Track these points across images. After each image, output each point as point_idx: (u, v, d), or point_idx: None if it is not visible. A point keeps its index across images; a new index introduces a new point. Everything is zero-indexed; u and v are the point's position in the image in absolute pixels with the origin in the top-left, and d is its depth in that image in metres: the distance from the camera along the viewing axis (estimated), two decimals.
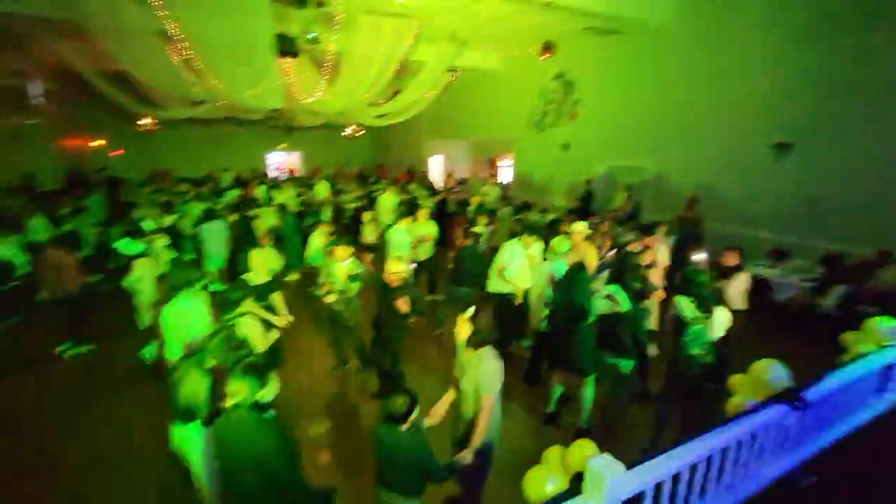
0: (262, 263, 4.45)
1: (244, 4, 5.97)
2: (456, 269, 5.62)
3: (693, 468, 2.32)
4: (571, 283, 3.77)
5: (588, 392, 3.84)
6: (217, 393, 2.52)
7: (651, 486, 2.10)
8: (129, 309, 5.61)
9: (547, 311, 4.29)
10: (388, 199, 9.18)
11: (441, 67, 9.08)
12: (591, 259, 4.19)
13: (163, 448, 2.90)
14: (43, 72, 9.60)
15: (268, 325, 3.79)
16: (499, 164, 15.40)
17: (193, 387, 2.59)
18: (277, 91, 7.41)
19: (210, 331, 3.41)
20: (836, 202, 6.62)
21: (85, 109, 12.36)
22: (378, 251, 7.12)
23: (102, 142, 15.01)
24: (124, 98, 8.23)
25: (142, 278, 5.39)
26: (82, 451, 3.84)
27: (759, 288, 5.88)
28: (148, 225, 7.06)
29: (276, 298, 4.37)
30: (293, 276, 7.75)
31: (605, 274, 4.14)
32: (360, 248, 6.06)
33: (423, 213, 6.73)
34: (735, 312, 3.73)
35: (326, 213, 10.14)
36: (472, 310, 2.61)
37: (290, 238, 7.85)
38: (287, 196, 10.30)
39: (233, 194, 10.58)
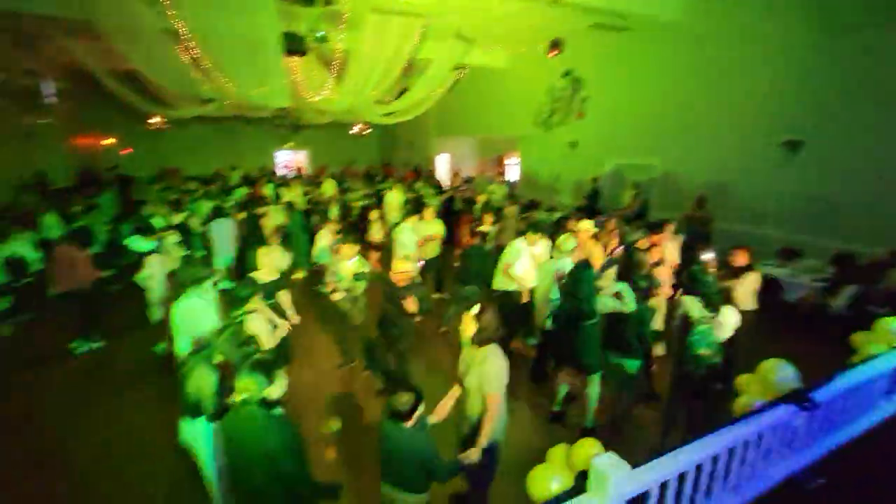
0: (270, 261, 4.49)
1: (252, 3, 5.98)
2: (463, 268, 5.63)
3: (699, 468, 2.31)
4: (576, 281, 3.76)
5: (593, 391, 3.84)
6: (225, 388, 2.55)
7: (656, 485, 2.10)
8: (140, 305, 5.69)
9: (553, 309, 4.28)
10: (394, 198, 9.20)
11: (448, 65, 9.04)
12: (597, 257, 4.18)
13: (172, 443, 2.95)
14: (55, 71, 9.73)
15: (273, 326, 3.82)
16: (505, 162, 15.36)
17: (200, 382, 2.64)
18: (285, 89, 7.45)
19: (218, 327, 3.45)
20: (847, 201, 6.53)
21: (96, 108, 12.52)
22: (385, 250, 7.16)
23: (113, 140, 15.21)
24: (135, 97, 8.33)
25: (152, 275, 5.47)
26: (93, 446, 3.91)
27: (769, 287, 5.81)
28: (158, 222, 7.15)
29: (283, 296, 4.41)
30: (300, 274, 7.80)
31: (613, 270, 4.12)
32: (367, 247, 6.08)
33: (429, 212, 6.74)
34: (745, 312, 3.70)
35: (333, 212, 10.18)
36: (477, 307, 2.61)
37: (298, 236, 7.91)
38: (294, 194, 10.37)
39: (241, 192, 10.68)
